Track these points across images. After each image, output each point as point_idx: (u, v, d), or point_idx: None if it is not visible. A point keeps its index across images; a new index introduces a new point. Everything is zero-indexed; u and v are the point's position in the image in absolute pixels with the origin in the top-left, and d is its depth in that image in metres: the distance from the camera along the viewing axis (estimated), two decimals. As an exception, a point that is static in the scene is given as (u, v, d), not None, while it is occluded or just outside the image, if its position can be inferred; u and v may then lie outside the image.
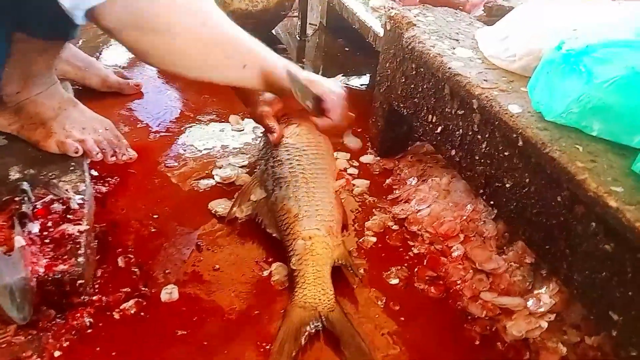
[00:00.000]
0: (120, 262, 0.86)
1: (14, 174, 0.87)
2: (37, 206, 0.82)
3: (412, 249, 0.96)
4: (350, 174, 1.14)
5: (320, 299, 0.79)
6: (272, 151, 0.97)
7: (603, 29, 0.68)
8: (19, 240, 0.73)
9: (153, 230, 0.93)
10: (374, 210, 1.04)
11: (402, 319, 0.83)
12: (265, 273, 0.87)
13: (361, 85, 1.58)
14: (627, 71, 0.62)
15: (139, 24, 0.74)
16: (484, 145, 0.81)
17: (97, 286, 0.81)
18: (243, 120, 1.28)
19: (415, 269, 0.91)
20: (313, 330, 0.77)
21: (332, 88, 0.92)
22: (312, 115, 0.92)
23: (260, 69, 0.85)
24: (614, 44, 0.64)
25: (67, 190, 0.86)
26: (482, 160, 0.82)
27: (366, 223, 1.00)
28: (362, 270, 0.90)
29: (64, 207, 0.83)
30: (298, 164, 0.93)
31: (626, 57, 0.62)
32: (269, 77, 0.86)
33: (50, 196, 0.84)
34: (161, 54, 0.78)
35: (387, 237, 0.98)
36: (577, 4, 0.85)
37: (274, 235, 0.90)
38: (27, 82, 0.94)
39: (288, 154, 0.95)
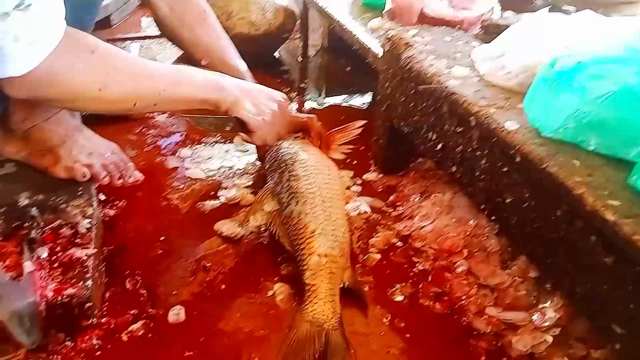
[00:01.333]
0: (128, 284, 0.87)
1: (23, 200, 0.89)
2: (46, 231, 0.84)
3: (417, 265, 0.96)
4: (353, 192, 1.15)
5: (328, 316, 0.80)
6: (287, 165, 0.99)
7: (595, 45, 0.69)
8: (28, 266, 0.75)
9: (160, 252, 0.95)
10: (377, 227, 1.05)
11: (408, 335, 0.83)
12: (270, 293, 0.88)
13: (363, 104, 1.60)
14: (620, 86, 0.63)
15: (52, 98, 0.78)
16: (483, 162, 0.82)
17: (105, 309, 0.82)
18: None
19: (420, 286, 0.92)
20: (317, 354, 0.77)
21: (262, 105, 0.97)
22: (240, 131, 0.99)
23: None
24: (605, 60, 0.65)
25: (75, 214, 0.88)
26: (483, 176, 0.83)
27: (370, 240, 1.01)
28: (366, 288, 0.91)
29: (72, 231, 0.85)
30: (314, 182, 0.95)
31: (618, 73, 0.64)
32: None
33: (59, 221, 0.86)
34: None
35: (391, 253, 0.99)
36: (571, 21, 0.87)
37: (287, 247, 0.92)
38: (32, 109, 0.96)
39: (305, 171, 0.97)
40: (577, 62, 0.65)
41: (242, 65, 1.12)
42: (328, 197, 0.94)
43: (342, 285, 0.86)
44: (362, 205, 1.09)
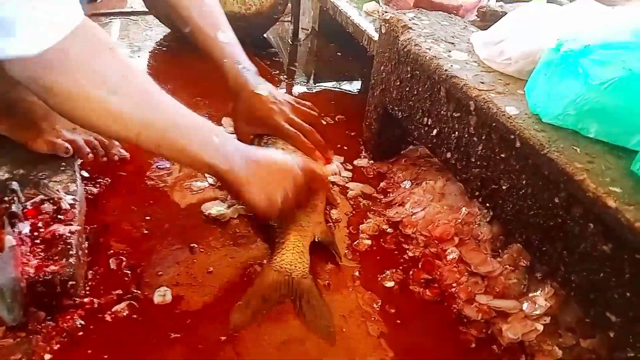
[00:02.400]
0: (112, 263, 0.84)
1: (3, 174, 0.85)
2: (27, 206, 0.80)
3: (407, 252, 0.95)
4: (343, 177, 1.14)
5: (296, 266, 0.82)
6: (263, 143, 1.03)
7: (601, 31, 0.68)
8: (10, 240, 0.71)
9: (145, 232, 0.92)
10: (368, 213, 1.04)
11: (398, 321, 0.82)
12: (259, 276, 0.87)
13: (354, 89, 1.58)
14: (625, 72, 0.63)
15: (54, 88, 0.66)
16: (480, 148, 0.81)
17: (88, 288, 0.79)
18: (236, 122, 1.27)
19: (411, 272, 0.91)
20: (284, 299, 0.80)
21: (273, 190, 0.82)
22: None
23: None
24: (612, 45, 0.64)
25: (57, 190, 0.85)
26: (478, 163, 0.82)
27: (361, 226, 1.00)
28: (356, 273, 0.90)
29: (55, 207, 0.82)
30: (289, 147, 1.02)
31: (624, 59, 0.63)
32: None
33: (41, 196, 0.83)
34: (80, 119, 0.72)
35: (381, 240, 0.98)
36: (571, 9, 0.86)
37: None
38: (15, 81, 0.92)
39: (283, 145, 1.02)
40: (584, 45, 0.64)
41: (221, 37, 1.05)
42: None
43: (314, 240, 0.89)
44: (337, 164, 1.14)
